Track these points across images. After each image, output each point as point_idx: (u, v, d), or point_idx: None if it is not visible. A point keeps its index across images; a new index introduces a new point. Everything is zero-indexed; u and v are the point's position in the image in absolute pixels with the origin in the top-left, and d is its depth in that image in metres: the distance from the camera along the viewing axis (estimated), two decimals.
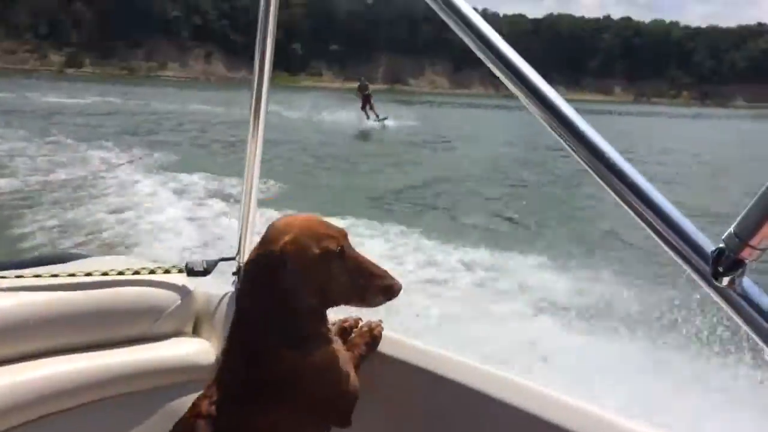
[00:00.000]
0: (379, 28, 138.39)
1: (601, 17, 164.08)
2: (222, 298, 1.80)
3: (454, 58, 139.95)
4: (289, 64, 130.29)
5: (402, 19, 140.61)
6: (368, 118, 28.95)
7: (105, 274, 1.67)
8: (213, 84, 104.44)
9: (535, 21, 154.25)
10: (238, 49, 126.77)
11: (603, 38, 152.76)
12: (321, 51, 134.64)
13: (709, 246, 0.74)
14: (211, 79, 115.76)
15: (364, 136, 26.14)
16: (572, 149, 0.69)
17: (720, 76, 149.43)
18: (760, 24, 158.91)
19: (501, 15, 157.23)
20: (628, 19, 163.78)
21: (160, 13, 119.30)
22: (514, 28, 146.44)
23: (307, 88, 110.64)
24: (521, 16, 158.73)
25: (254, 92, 1.33)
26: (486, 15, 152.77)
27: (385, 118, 28.76)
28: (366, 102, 29.41)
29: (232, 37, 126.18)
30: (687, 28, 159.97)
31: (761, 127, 58.64)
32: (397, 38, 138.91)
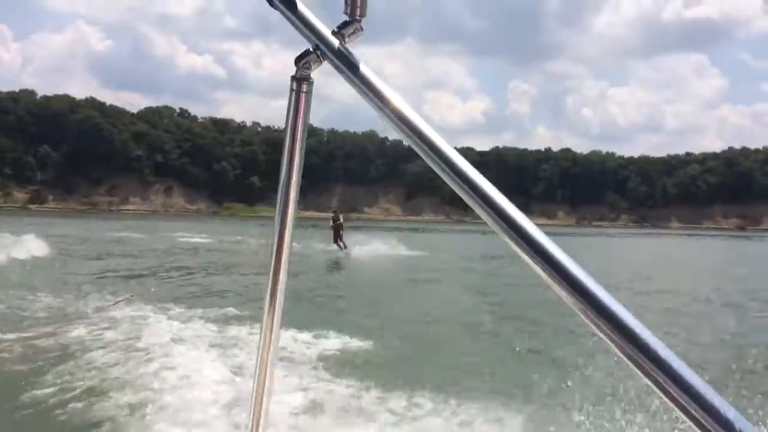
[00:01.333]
0: (334, 161, 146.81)
1: (543, 149, 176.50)
2: None
3: (406, 186, 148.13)
4: (248, 195, 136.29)
5: (356, 153, 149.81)
6: (340, 248, 29.74)
7: None
8: (172, 215, 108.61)
9: (483, 153, 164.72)
10: (197, 184, 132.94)
11: (544, 168, 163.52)
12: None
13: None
14: (170, 211, 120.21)
15: (335, 265, 25.99)
16: (547, 275, 0.67)
17: (654, 200, 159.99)
18: (687, 153, 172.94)
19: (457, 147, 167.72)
20: (567, 150, 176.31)
21: (123, 152, 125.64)
22: (466, 158, 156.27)
23: (264, 217, 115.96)
24: (469, 149, 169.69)
25: (277, 234, 1.06)
26: None
27: (344, 248, 29.76)
28: (337, 233, 30.61)
29: (192, 172, 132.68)
30: (621, 158, 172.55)
31: (693, 244, 64.63)
32: (351, 170, 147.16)
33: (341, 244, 30.16)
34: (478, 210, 0.72)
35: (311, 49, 0.86)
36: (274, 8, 0.87)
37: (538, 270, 0.68)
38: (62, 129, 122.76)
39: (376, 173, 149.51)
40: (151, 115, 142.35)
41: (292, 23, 0.84)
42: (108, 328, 9.93)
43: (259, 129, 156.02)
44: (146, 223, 63.95)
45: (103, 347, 8.77)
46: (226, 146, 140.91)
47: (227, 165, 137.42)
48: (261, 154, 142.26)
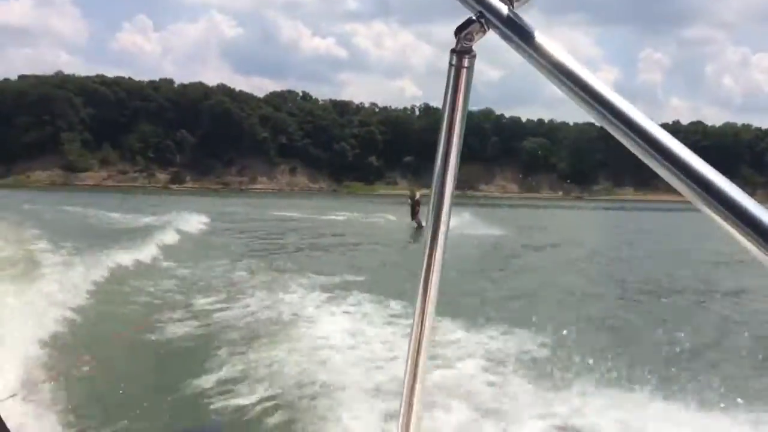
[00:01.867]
0: None
1: (671, 122, 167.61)
2: None
3: (523, 163, 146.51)
4: (366, 174, 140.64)
5: (472, 130, 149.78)
6: (418, 224, 31.47)
7: None
8: (297, 193, 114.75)
9: (602, 129, 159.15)
10: (318, 163, 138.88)
11: None
12: (396, 162, 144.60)
13: None
14: (294, 189, 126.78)
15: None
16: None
17: None
18: None
19: (571, 123, 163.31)
20: (698, 122, 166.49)
21: (252, 135, 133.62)
22: (584, 134, 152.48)
23: (382, 195, 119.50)
24: (590, 125, 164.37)
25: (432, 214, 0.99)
26: (554, 123, 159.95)
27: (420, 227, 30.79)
28: (414, 210, 32.89)
29: (314, 153, 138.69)
30: (758, 129, 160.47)
31: None
32: (467, 147, 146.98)
33: (418, 219, 31.92)
34: (694, 197, 0.62)
35: (474, 18, 0.79)
36: None
37: None
38: (197, 114, 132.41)
39: (492, 150, 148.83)
40: (276, 99, 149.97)
41: None
42: (269, 306, 10.90)
43: (377, 110, 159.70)
44: (285, 201, 69.18)
45: (273, 324, 9.64)
46: (345, 127, 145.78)
47: (346, 145, 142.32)
48: (378, 134, 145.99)
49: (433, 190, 0.94)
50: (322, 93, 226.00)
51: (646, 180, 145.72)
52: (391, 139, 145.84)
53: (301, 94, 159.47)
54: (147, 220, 31.56)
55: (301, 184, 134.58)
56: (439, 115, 0.90)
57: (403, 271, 15.52)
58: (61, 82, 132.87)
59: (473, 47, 0.84)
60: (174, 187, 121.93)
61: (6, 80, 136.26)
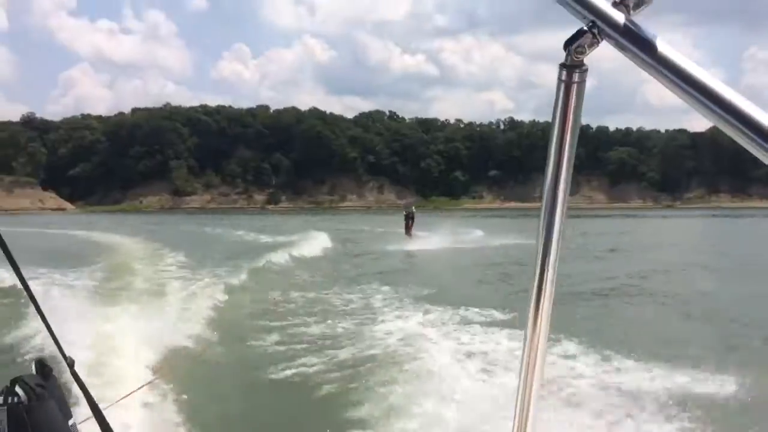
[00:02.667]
0: (535, 151, 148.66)
1: None
2: None
3: (610, 173, 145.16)
4: (452, 189, 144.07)
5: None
6: (409, 236, 34.28)
7: None
8: (384, 210, 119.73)
9: (695, 135, 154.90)
10: (405, 180, 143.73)
11: None
12: (481, 176, 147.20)
13: None
14: (382, 206, 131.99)
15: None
16: None
17: None
18: None
19: (663, 131, 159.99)
20: None
21: (341, 155, 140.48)
22: (674, 141, 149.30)
23: (467, 209, 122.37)
24: (681, 131, 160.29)
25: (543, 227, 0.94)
26: (641, 132, 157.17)
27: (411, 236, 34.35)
28: (407, 223, 35.91)
29: (400, 170, 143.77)
30: None
31: None
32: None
33: (410, 233, 34.70)
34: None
35: (585, 28, 0.74)
36: None
37: None
38: (291, 138, 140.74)
39: (577, 161, 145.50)
40: (364, 120, 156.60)
41: (561, 1, 0.74)
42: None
43: (462, 125, 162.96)
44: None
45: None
46: (431, 144, 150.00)
47: (432, 162, 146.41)
48: (463, 149, 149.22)
49: (543, 207, 0.89)
50: (411, 110, 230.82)
51: (743, 188, 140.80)
52: (476, 153, 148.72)
53: (388, 113, 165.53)
54: (270, 239, 35.16)
55: (389, 201, 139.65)
56: (548, 131, 0.75)
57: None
58: (169, 113, 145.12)
59: (584, 60, 0.79)
60: (270, 207, 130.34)
61: (121, 113, 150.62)
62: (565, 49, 0.78)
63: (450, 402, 7.05)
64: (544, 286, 0.92)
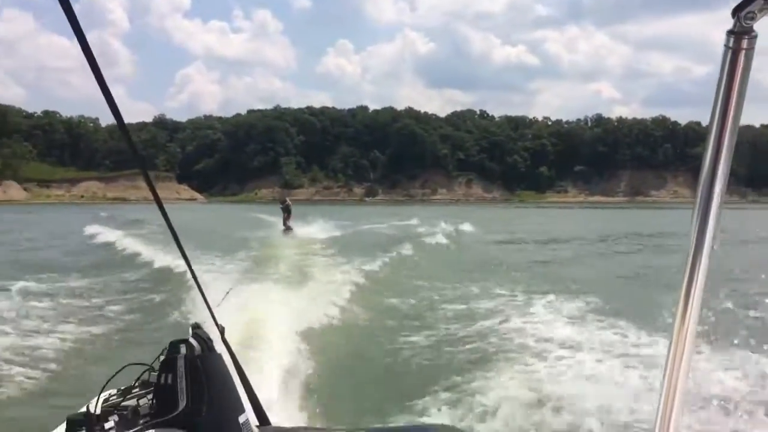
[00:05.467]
0: (620, 148, 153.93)
1: None
2: None
3: (696, 169, 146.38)
4: (538, 183, 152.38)
5: (643, 138, 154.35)
6: (286, 229, 32.81)
7: None
8: (472, 203, 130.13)
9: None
10: (492, 175, 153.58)
11: None
12: (566, 171, 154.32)
13: None
14: (470, 199, 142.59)
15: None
16: None
17: None
18: None
19: (758, 126, 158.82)
20: None
21: (433, 152, 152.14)
22: (763, 138, 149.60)
23: (551, 203, 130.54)
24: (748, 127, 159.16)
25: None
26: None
27: (289, 229, 32.70)
28: (286, 216, 33.91)
29: (488, 166, 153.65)
30: None
31: None
32: (638, 156, 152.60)
33: (288, 225, 33.39)
34: None
35: None
36: None
37: None
38: (387, 136, 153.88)
39: (664, 157, 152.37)
40: (455, 118, 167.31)
41: None
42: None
43: (549, 123, 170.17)
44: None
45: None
46: (518, 141, 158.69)
47: (518, 158, 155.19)
48: (549, 145, 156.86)
49: (700, 192, 0.82)
50: (513, 102, 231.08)
51: None
52: (562, 149, 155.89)
53: (478, 112, 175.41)
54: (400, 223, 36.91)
55: (476, 194, 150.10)
56: (713, 106, 0.79)
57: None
58: (280, 114, 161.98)
59: (754, 27, 0.74)
60: (368, 199, 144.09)
61: (238, 114, 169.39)
62: (733, 16, 0.74)
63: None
64: (693, 287, 0.86)
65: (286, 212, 34.33)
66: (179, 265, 13.32)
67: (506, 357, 8.34)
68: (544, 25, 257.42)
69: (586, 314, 10.89)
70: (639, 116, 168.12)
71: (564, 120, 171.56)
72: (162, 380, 1.79)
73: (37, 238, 31.90)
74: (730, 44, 0.76)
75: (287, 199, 37.76)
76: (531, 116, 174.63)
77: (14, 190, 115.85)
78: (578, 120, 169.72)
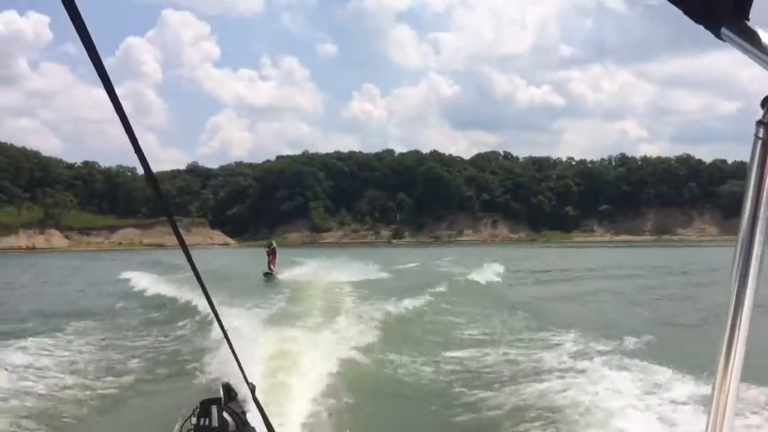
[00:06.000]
0: (645, 187, 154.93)
1: None
2: None
3: (723, 207, 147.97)
4: (563, 223, 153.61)
5: (667, 177, 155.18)
6: (270, 272, 32.61)
7: None
8: (497, 243, 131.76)
9: None
10: (517, 216, 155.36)
11: None
12: (592, 211, 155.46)
13: None
14: (495, 240, 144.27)
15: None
16: None
17: None
18: None
19: None
20: None
21: (458, 194, 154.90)
22: None
23: (577, 242, 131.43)
24: None
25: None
26: None
27: (270, 274, 32.54)
28: (270, 259, 33.65)
29: (513, 206, 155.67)
30: None
31: None
32: (663, 194, 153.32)
33: (271, 268, 33.14)
34: None
35: None
36: (726, 41, 0.74)
37: None
38: (413, 179, 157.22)
39: (689, 195, 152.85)
40: (480, 160, 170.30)
41: (753, 55, 0.71)
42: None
43: (573, 163, 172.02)
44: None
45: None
46: (542, 181, 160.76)
47: (543, 198, 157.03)
48: (574, 185, 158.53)
49: (738, 260, 0.84)
50: (538, 142, 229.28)
51: None
52: (587, 189, 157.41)
53: (503, 153, 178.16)
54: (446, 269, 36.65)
55: (502, 235, 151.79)
56: (744, 192, 0.81)
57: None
58: (308, 159, 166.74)
59: None
60: (395, 241, 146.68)
61: (268, 161, 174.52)
62: (762, 106, 0.75)
63: None
64: (737, 330, 0.85)
65: (272, 255, 33.66)
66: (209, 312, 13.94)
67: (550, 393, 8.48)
68: (568, 65, 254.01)
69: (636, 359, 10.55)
70: (666, 153, 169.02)
71: (588, 160, 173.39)
72: None
73: (75, 284, 33.90)
74: (760, 135, 0.77)
75: (273, 242, 37.27)
76: (556, 156, 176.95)
77: (56, 238, 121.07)
78: (602, 159, 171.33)
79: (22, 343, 13.29)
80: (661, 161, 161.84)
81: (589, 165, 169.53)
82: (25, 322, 17.25)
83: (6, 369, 10.70)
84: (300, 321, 15.53)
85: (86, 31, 1.03)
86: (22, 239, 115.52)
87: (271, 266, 33.25)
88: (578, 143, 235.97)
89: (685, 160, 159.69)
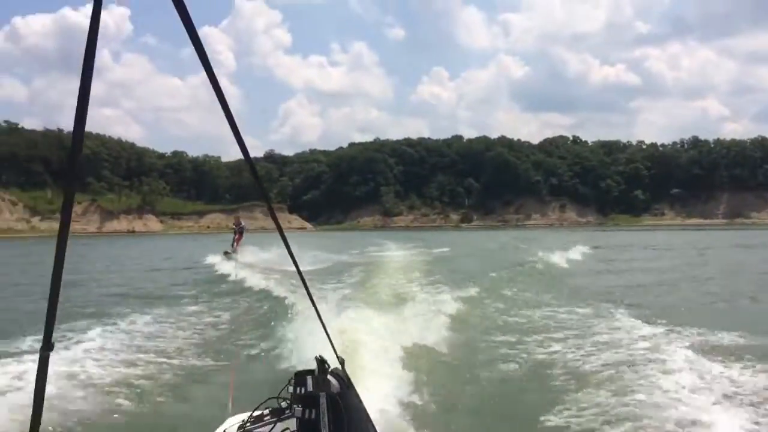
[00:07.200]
0: (717, 170, 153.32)
1: None
2: None
3: None
4: (632, 207, 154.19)
5: (741, 160, 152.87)
6: (232, 251, 30.11)
7: None
8: (566, 227, 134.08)
9: None
10: (586, 200, 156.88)
11: None
12: (662, 195, 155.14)
13: None
14: (563, 224, 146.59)
15: None
16: None
17: None
18: None
19: None
20: None
21: (526, 178, 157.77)
22: None
23: (647, 226, 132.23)
24: None
25: None
26: None
27: (228, 253, 29.82)
28: (237, 237, 31.45)
29: (581, 191, 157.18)
30: None
31: None
32: (736, 177, 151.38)
33: (234, 247, 30.83)
34: None
35: None
36: None
37: None
38: (481, 164, 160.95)
39: (764, 178, 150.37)
40: (547, 145, 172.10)
41: None
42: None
43: (644, 146, 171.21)
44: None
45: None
46: (611, 165, 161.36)
47: (612, 182, 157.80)
48: (644, 169, 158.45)
49: None
50: (614, 123, 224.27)
51: None
52: (657, 173, 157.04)
53: (571, 138, 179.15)
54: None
55: (570, 219, 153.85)
56: None
57: None
58: (379, 146, 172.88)
59: None
60: (463, 225, 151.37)
61: (340, 148, 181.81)
62: None
63: None
64: None
65: (238, 233, 31.53)
66: (290, 294, 15.15)
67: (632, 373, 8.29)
68: (645, 43, 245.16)
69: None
70: (750, 132, 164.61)
71: (659, 143, 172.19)
72: (305, 415, 1.90)
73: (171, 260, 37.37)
74: None
75: (242, 221, 33.61)
76: (630, 138, 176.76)
77: (153, 223, 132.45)
78: (674, 143, 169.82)
79: (147, 310, 14.89)
80: (735, 144, 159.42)
81: (660, 148, 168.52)
82: (152, 296, 18.75)
83: (136, 333, 12.14)
84: (401, 291, 17.08)
85: (194, 29, 1.04)
86: (123, 223, 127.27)
87: (235, 245, 31.01)
88: (657, 123, 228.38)
89: (761, 143, 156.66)
